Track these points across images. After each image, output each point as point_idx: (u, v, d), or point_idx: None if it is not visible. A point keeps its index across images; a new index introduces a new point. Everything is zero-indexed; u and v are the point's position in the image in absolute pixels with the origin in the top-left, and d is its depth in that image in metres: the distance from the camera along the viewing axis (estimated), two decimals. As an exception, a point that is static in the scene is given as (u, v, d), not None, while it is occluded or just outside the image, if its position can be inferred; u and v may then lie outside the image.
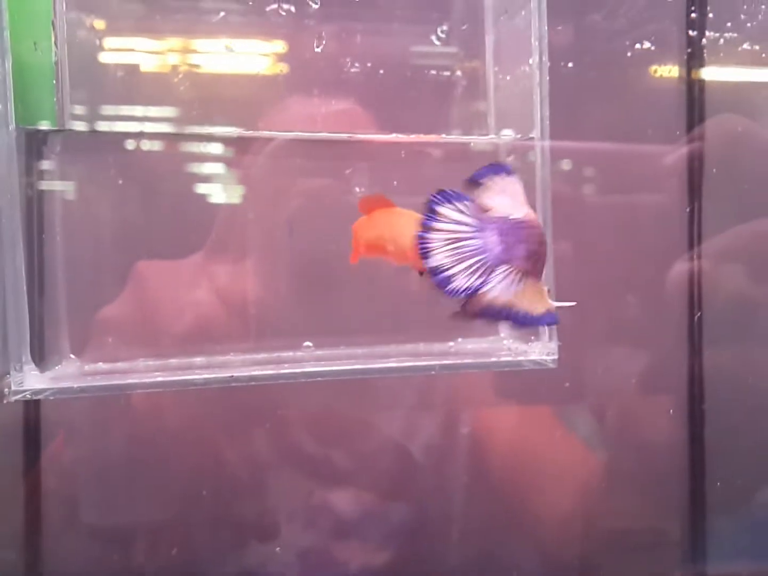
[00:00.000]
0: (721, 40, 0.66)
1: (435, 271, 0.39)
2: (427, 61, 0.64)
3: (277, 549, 0.62)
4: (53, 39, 0.57)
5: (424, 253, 0.39)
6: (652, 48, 0.64)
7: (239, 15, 0.58)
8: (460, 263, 0.39)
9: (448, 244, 0.39)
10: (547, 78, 0.51)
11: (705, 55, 0.66)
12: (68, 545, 0.61)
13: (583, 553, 0.68)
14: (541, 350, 0.51)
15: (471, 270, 0.39)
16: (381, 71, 0.62)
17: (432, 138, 0.57)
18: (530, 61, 0.56)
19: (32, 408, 0.59)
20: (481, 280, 0.39)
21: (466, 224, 0.40)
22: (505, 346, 0.59)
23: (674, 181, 0.67)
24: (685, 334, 0.68)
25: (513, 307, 0.39)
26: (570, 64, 0.62)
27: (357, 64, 0.62)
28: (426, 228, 0.40)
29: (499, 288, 0.39)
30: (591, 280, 0.66)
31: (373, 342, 0.60)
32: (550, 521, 0.66)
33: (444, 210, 0.40)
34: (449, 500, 0.66)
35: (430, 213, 0.40)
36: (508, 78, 0.62)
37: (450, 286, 0.40)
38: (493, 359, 0.52)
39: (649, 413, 0.69)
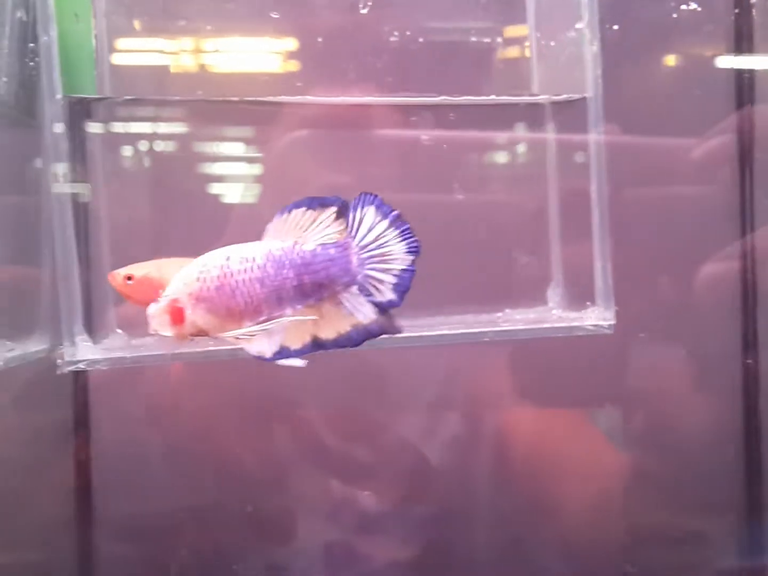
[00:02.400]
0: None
1: None
2: (469, 28, 0.63)
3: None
4: (92, 10, 0.56)
5: None
6: (698, 9, 0.63)
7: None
8: None
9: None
10: (598, 37, 0.50)
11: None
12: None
13: (608, 548, 0.67)
14: (597, 316, 0.50)
15: None
16: (420, 39, 0.61)
17: (482, 100, 0.56)
18: (579, 24, 0.55)
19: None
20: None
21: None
22: (555, 315, 0.58)
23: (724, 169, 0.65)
24: (739, 329, 0.66)
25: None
26: (615, 27, 0.61)
27: (396, 33, 0.61)
28: None
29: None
30: (638, 271, 0.64)
31: (417, 315, 0.59)
32: (574, 515, 0.65)
33: None
34: (473, 495, 0.66)
35: None
36: (552, 44, 0.61)
37: None
38: (548, 325, 0.51)
39: (700, 410, 0.67)
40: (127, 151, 0.59)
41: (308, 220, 0.42)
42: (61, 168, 0.48)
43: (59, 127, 0.47)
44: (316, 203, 0.42)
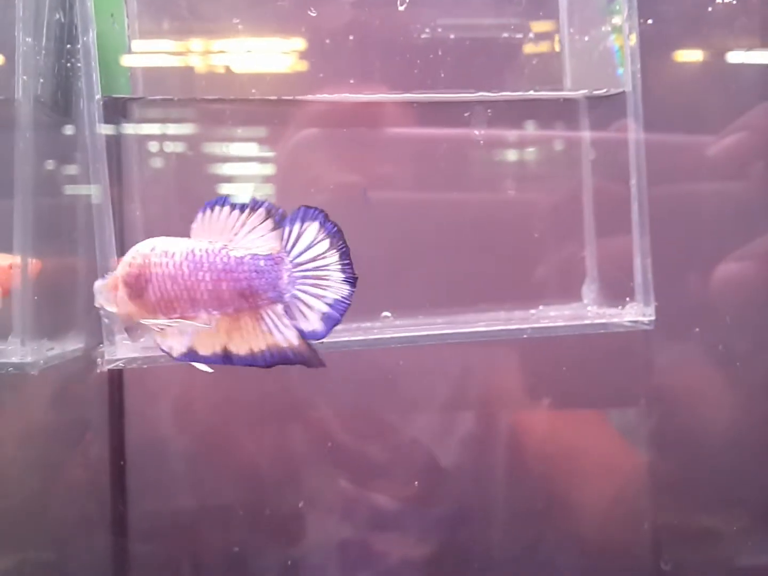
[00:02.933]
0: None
1: None
2: (502, 23, 0.62)
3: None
4: (125, 11, 0.56)
5: None
6: (734, 2, 0.62)
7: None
8: None
9: None
10: (637, 31, 0.49)
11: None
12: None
13: (625, 545, 0.66)
14: (637, 312, 0.49)
15: None
16: (452, 35, 0.61)
17: (519, 95, 0.55)
18: (615, 19, 0.55)
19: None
20: None
21: None
22: (590, 312, 0.58)
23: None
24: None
25: None
26: (650, 21, 0.60)
27: (427, 30, 0.61)
28: None
29: None
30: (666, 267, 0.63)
31: (451, 312, 0.59)
32: (590, 513, 0.65)
33: None
34: (489, 494, 0.65)
35: None
36: (585, 38, 0.61)
37: None
38: (587, 321, 0.50)
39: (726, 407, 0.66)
40: (160, 150, 0.60)
41: (239, 224, 0.40)
42: (99, 167, 0.48)
43: (99, 127, 0.47)
44: (240, 204, 0.40)
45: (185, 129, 0.60)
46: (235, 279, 0.40)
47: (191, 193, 0.60)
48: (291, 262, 0.40)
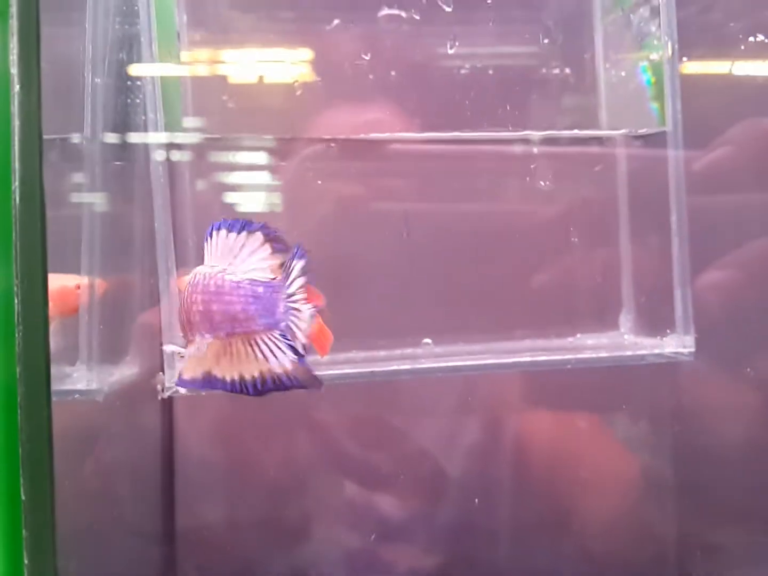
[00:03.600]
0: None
1: None
2: (535, 60, 0.64)
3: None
4: (178, 47, 0.59)
5: None
6: (766, 41, 0.64)
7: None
8: None
9: None
10: (678, 71, 0.51)
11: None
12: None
13: (631, 557, 0.67)
14: (677, 343, 0.50)
15: None
16: (490, 71, 0.63)
17: (560, 134, 0.57)
18: (653, 55, 0.56)
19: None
20: None
21: None
22: (627, 341, 0.59)
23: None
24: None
25: None
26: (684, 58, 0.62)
27: (467, 66, 0.63)
28: None
29: None
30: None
31: (488, 339, 0.61)
32: (596, 524, 0.65)
33: None
34: (493, 504, 0.66)
35: None
36: (623, 74, 0.62)
37: None
38: (628, 353, 0.52)
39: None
40: (208, 180, 0.62)
41: (237, 247, 0.40)
42: (160, 197, 0.50)
43: (161, 158, 0.50)
44: (238, 226, 0.40)
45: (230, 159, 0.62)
46: (227, 302, 0.40)
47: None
48: (285, 292, 0.40)
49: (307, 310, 0.39)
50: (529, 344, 0.60)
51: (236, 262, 0.40)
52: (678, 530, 0.67)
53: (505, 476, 0.66)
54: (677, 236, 0.52)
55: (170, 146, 0.57)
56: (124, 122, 0.56)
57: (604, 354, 0.52)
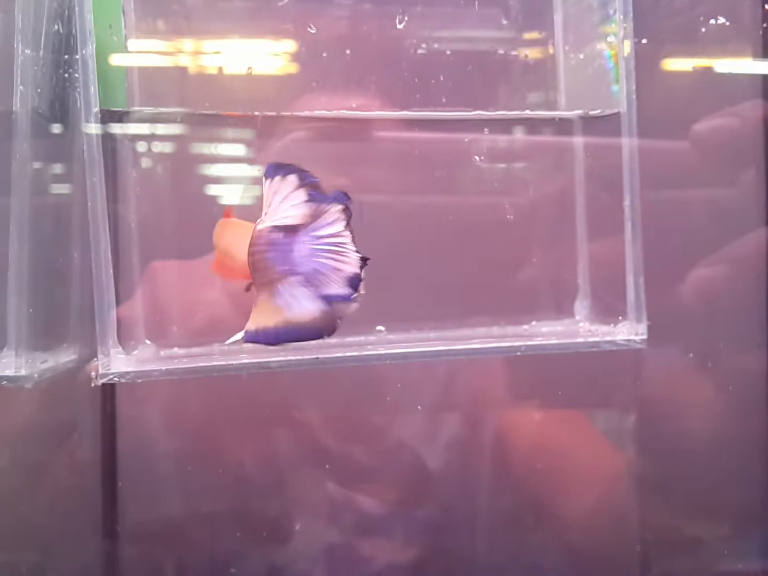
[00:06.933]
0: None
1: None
2: (495, 42, 0.63)
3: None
4: (122, 23, 0.56)
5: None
6: (727, 23, 0.63)
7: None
8: None
9: None
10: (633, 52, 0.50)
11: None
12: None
13: (611, 551, 0.67)
14: (629, 331, 0.50)
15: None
16: (448, 51, 0.61)
17: (515, 114, 0.56)
18: (611, 38, 0.55)
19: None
20: None
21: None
22: (582, 329, 0.58)
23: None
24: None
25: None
26: (644, 41, 0.61)
27: (424, 45, 0.61)
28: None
29: None
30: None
31: (443, 327, 0.60)
32: (575, 518, 0.65)
33: None
34: (472, 498, 0.66)
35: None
36: (581, 56, 0.61)
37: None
38: (580, 340, 0.51)
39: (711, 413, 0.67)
40: (153, 158, 0.60)
41: (271, 193, 0.39)
42: (96, 176, 0.48)
43: (96, 137, 0.47)
44: (272, 171, 0.39)
45: (174, 135, 0.60)
46: (250, 253, 0.39)
47: (183, 195, 0.60)
48: (310, 235, 0.39)
49: (350, 252, 0.39)
50: (484, 332, 0.59)
51: (270, 210, 0.39)
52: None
53: (485, 470, 0.65)
54: (630, 221, 0.51)
55: (108, 120, 0.55)
56: (62, 97, 0.54)
57: (554, 341, 0.51)
